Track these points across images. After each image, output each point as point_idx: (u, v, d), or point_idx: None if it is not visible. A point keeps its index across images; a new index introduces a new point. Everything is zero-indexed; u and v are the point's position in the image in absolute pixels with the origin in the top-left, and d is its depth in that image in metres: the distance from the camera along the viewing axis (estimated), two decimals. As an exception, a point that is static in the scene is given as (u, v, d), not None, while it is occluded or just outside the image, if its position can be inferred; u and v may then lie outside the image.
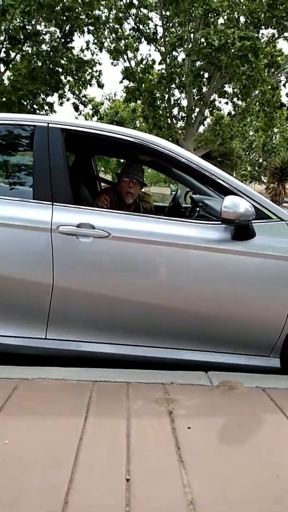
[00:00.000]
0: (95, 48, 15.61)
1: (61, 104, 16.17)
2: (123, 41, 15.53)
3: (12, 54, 13.98)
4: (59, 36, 14.66)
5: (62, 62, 14.52)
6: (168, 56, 15.03)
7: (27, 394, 1.79)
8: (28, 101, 13.92)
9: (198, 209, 2.77)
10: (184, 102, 16.10)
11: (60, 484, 1.25)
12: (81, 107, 16.65)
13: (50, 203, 2.12)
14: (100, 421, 1.62)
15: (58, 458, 1.38)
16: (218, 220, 2.10)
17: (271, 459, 1.45)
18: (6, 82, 13.84)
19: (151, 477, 1.31)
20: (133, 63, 15.95)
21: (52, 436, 1.50)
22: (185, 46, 14.57)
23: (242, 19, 13.74)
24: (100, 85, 16.02)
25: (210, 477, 1.33)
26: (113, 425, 1.60)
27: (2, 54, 13.60)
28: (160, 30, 15.21)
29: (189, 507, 1.19)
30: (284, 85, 16.38)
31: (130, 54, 15.86)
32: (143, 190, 3.14)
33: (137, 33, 15.47)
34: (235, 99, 16.52)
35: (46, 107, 15.24)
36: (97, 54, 20.41)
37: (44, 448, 1.43)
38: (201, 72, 14.54)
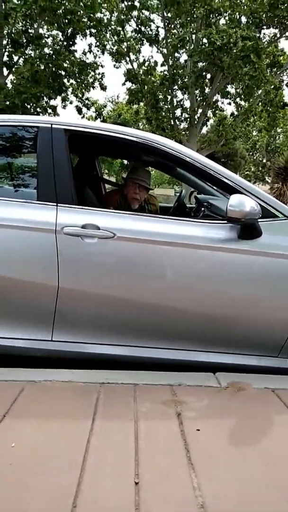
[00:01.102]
0: (98, 51, 15.68)
1: (64, 107, 16.29)
2: (125, 43, 15.57)
3: (15, 58, 14.10)
4: (62, 39, 14.74)
5: (65, 65, 14.57)
6: (170, 57, 15.05)
7: (34, 396, 1.78)
8: (31, 104, 13.98)
9: (203, 208, 2.75)
10: (187, 103, 16.14)
11: (68, 487, 1.23)
12: (84, 109, 16.73)
13: (55, 204, 2.11)
14: (108, 423, 1.60)
15: (66, 461, 1.36)
16: (224, 219, 2.08)
17: (282, 460, 1.42)
18: (10, 85, 13.92)
19: (161, 480, 1.29)
20: (135, 65, 16.01)
21: (60, 439, 1.49)
22: (187, 47, 14.60)
23: (243, 19, 13.78)
24: (103, 88, 16.07)
25: (221, 479, 1.31)
26: (121, 427, 1.58)
27: (5, 58, 13.68)
28: (162, 32, 15.27)
29: (200, 511, 1.17)
30: (286, 84, 16.34)
31: (132, 56, 15.92)
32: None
33: (139, 35, 15.53)
34: (237, 100, 16.52)
35: (49, 110, 15.30)
36: (99, 57, 20.46)
37: (52, 451, 1.41)
38: (204, 73, 14.56)
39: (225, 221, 2.06)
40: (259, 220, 2.02)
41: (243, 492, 1.26)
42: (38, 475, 1.29)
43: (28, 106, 13.80)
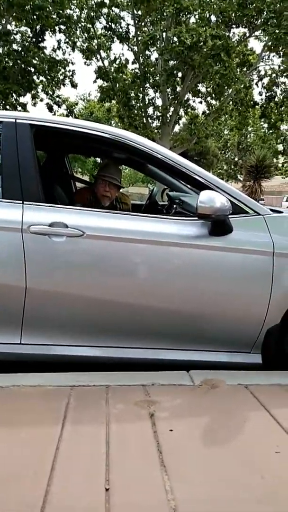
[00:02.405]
0: (67, 48, 15.48)
1: (34, 104, 15.99)
2: (95, 41, 15.45)
3: (-18, 54, 13.71)
4: (30, 35, 14.44)
5: (34, 61, 14.32)
6: (141, 55, 15.02)
7: (1, 403, 1.70)
8: (-1, 101, 13.68)
9: (175, 206, 2.73)
10: (159, 102, 16.16)
11: (34, 498, 1.17)
12: (55, 107, 16.51)
13: (21, 202, 2.03)
14: (78, 428, 1.55)
15: (33, 470, 1.30)
16: (194, 216, 2.05)
17: (257, 458, 1.41)
18: (-23, 82, 13.55)
19: (132, 485, 1.25)
20: (106, 62, 15.89)
21: (27, 448, 1.42)
22: (158, 45, 14.60)
23: (213, 18, 13.88)
24: (74, 85, 15.89)
25: (194, 481, 1.28)
26: (91, 432, 1.53)
27: (-28, 54, 13.32)
28: (132, 29, 15.20)
29: (172, 515, 1.13)
30: (256, 84, 16.60)
31: (103, 54, 15.80)
32: (120, 191, 3.07)
33: (109, 32, 15.42)
34: (208, 98, 16.66)
35: (19, 108, 14.98)
36: (69, 54, 20.25)
37: (18, 460, 1.35)
38: (175, 72, 14.61)
39: (196, 218, 2.04)
40: (229, 216, 2.01)
41: (217, 494, 1.23)
42: (3, 487, 1.23)
43: (-4, 103, 13.51)
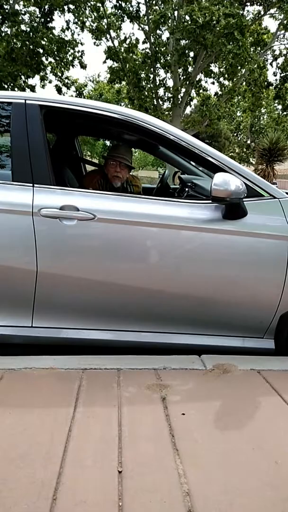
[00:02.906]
0: (76, 28, 15.16)
1: (43, 86, 15.82)
2: (105, 20, 15.08)
3: (-10, 36, 13.52)
4: (39, 15, 14.16)
5: (43, 42, 14.05)
6: (152, 34, 14.66)
7: (14, 385, 1.71)
8: (8, 83, 13.51)
9: (187, 189, 2.68)
10: (170, 82, 15.83)
11: (48, 479, 1.18)
12: (64, 89, 16.26)
13: (31, 185, 2.00)
14: (90, 410, 1.55)
15: (46, 451, 1.31)
16: (208, 199, 2.01)
17: (270, 444, 1.40)
18: (-15, 64, 13.39)
19: (145, 468, 1.25)
20: (116, 42, 15.55)
21: (40, 428, 1.43)
22: (169, 24, 14.21)
23: (226, -5, 13.41)
24: (83, 66, 15.63)
25: (207, 465, 1.28)
26: (103, 414, 1.53)
27: (-20, 36, 13.14)
28: (143, 8, 14.81)
29: (185, 499, 1.13)
30: (270, 64, 16.14)
31: (113, 34, 15.44)
32: (131, 173, 3.02)
33: (119, 11, 15.03)
34: (221, 79, 16.28)
35: (27, 90, 14.83)
36: (78, 34, 19.89)
37: (32, 441, 1.36)
38: (186, 51, 14.23)
39: (210, 201, 1.99)
40: (244, 199, 1.96)
41: (229, 479, 1.23)
42: (16, 467, 1.24)
43: (5, 86, 13.34)
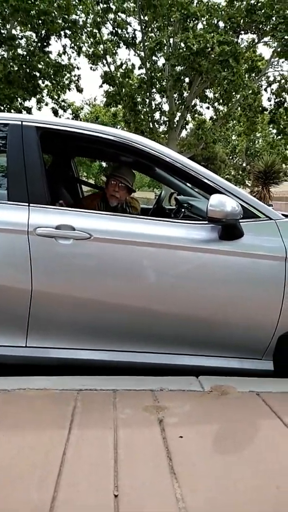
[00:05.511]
0: (73, 53, 15.54)
1: (39, 109, 16.09)
2: (101, 46, 15.50)
3: (-13, 59, 13.81)
4: (35, 40, 14.51)
5: (39, 66, 14.36)
6: (147, 60, 15.05)
7: (7, 406, 1.68)
8: (5, 105, 13.72)
9: (183, 210, 2.71)
10: (166, 107, 16.17)
11: (41, 503, 1.15)
12: (60, 111, 16.55)
13: (27, 204, 2.02)
14: (85, 433, 1.52)
15: (40, 474, 1.27)
16: (204, 220, 2.03)
17: (270, 468, 1.37)
18: (-18, 86, 13.63)
19: (141, 492, 1.22)
20: (112, 67, 15.94)
21: (34, 451, 1.39)
22: (165, 50, 14.63)
23: (221, 24, 13.88)
24: (79, 90, 15.96)
25: (205, 489, 1.25)
26: (99, 436, 1.50)
27: (-23, 59, 13.41)
28: (139, 35, 15.25)
29: (183, 525, 1.10)
30: (265, 89, 16.59)
31: (109, 59, 15.86)
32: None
33: (115, 37, 15.47)
34: (216, 104, 16.66)
35: (24, 112, 15.06)
36: (75, 59, 20.34)
37: (25, 464, 1.32)
38: (182, 77, 14.60)
39: (206, 222, 2.01)
40: (240, 220, 1.98)
41: (229, 503, 1.20)
42: (10, 490, 1.20)
43: (2, 108, 13.55)
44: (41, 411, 1.65)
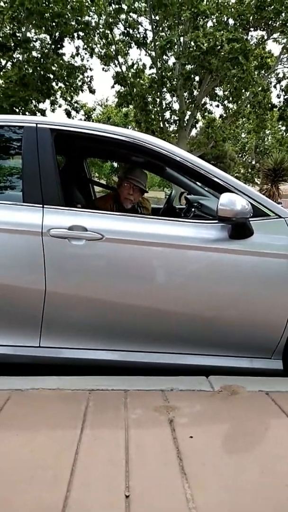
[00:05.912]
0: (85, 54, 15.61)
1: (53, 110, 16.16)
2: (113, 46, 15.53)
3: (3, 62, 13.99)
4: (49, 42, 14.63)
5: (53, 68, 14.47)
6: (158, 60, 15.04)
7: (20, 406, 1.70)
8: (20, 108, 13.86)
9: (193, 209, 2.70)
10: (176, 106, 16.12)
11: (54, 502, 1.16)
12: (73, 113, 16.64)
13: (41, 206, 2.04)
14: (97, 432, 1.54)
15: (52, 474, 1.29)
16: (214, 219, 2.03)
17: (279, 467, 1.37)
18: (-2, 89, 13.79)
19: (152, 492, 1.23)
20: (124, 68, 15.95)
21: (47, 451, 1.41)
22: (175, 49, 14.59)
23: (231, 21, 13.79)
24: (92, 91, 16.02)
25: (215, 489, 1.25)
26: (110, 436, 1.51)
27: (-7, 62, 13.58)
28: (150, 35, 15.24)
29: (194, 524, 1.10)
30: (274, 86, 16.42)
31: (121, 59, 15.87)
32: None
33: (127, 38, 15.47)
34: (226, 102, 16.56)
35: (38, 114, 15.18)
36: (87, 60, 20.46)
37: (38, 463, 1.34)
38: (192, 76, 14.55)
39: (216, 221, 2.01)
40: (250, 219, 1.98)
41: (239, 502, 1.20)
42: (21, 491, 1.22)
43: (17, 110, 13.69)
44: (54, 410, 1.68)
